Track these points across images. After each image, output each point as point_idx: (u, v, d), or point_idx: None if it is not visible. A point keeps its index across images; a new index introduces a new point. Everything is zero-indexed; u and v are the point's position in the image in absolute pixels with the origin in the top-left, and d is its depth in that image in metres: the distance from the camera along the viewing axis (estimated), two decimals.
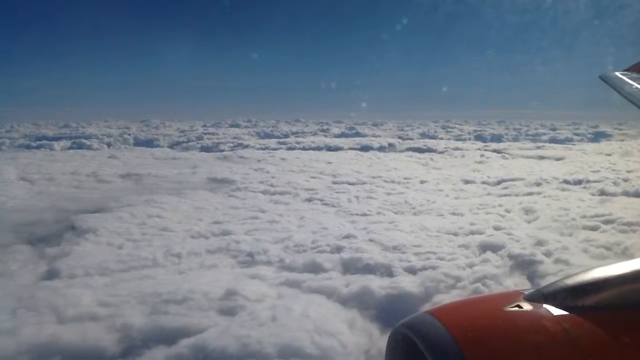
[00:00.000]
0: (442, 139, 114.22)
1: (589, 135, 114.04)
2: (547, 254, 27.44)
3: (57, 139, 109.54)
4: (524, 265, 26.09)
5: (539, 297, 2.18)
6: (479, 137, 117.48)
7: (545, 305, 2.13)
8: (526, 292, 2.24)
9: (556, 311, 2.09)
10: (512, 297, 2.22)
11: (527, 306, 2.14)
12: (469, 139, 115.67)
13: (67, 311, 20.22)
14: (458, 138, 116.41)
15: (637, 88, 5.22)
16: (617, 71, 6.02)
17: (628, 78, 5.62)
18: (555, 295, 2.16)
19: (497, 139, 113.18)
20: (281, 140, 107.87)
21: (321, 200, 43.22)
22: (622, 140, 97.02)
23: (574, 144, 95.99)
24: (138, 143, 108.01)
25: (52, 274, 25.30)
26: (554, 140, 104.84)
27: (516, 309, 2.13)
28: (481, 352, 1.96)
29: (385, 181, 51.15)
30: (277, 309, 20.14)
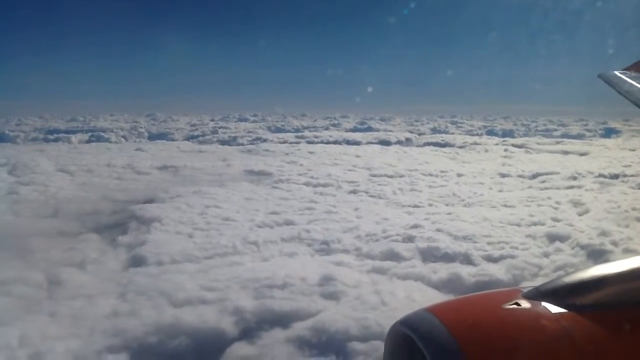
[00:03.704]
0: (453, 134, 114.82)
1: (599, 132, 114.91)
2: (614, 244, 28.18)
3: (70, 132, 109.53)
4: (596, 254, 26.75)
5: (537, 295, 2.19)
6: (491, 132, 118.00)
7: (543, 303, 2.13)
8: (525, 290, 2.25)
9: (554, 309, 2.10)
10: (510, 294, 2.23)
11: (525, 304, 2.14)
12: (481, 134, 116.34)
13: (176, 295, 20.81)
14: (469, 133, 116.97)
15: (636, 87, 5.28)
16: (616, 70, 6.09)
17: (627, 77, 5.69)
18: (554, 293, 2.17)
19: (509, 134, 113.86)
20: (298, 134, 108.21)
21: (366, 192, 43.82)
22: (634, 136, 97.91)
23: (591, 140, 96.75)
24: (152, 137, 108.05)
25: (137, 261, 25.86)
26: (566, 136, 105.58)
27: (515, 306, 2.13)
28: (480, 349, 1.97)
29: (423, 174, 51.80)
30: (381, 293, 20.79)
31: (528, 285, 2.31)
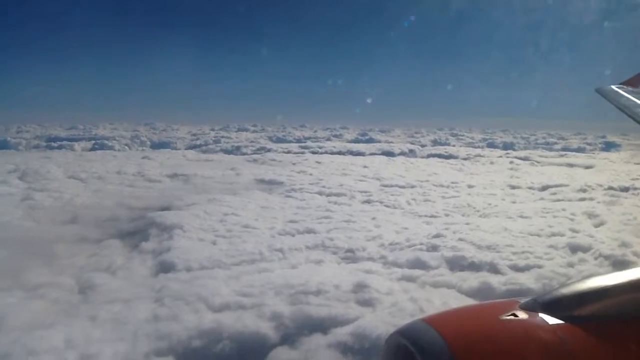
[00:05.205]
0: (454, 146, 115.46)
1: (599, 145, 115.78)
2: (637, 255, 28.49)
3: (71, 140, 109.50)
4: (619, 265, 26.95)
5: (534, 306, 2.19)
6: (491, 145, 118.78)
7: (541, 315, 2.13)
8: (522, 301, 2.25)
9: (552, 320, 2.09)
10: (507, 305, 2.23)
11: (522, 315, 2.14)
12: (483, 146, 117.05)
13: (213, 300, 20.92)
14: (470, 145, 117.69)
15: (632, 101, 5.33)
16: (613, 85, 6.21)
17: (624, 91, 5.76)
18: (551, 305, 2.16)
19: (510, 146, 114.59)
20: (301, 144, 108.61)
21: (380, 202, 44.09)
22: (633, 150, 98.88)
23: (592, 153, 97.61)
24: (154, 145, 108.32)
25: (166, 267, 25.95)
26: (567, 149, 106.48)
27: (512, 317, 2.13)
28: None
29: (435, 185, 52.16)
30: (417, 301, 20.97)
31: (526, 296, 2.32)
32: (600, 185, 51.83)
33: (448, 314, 2.34)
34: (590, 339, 2.02)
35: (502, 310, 2.17)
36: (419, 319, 2.21)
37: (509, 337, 2.06)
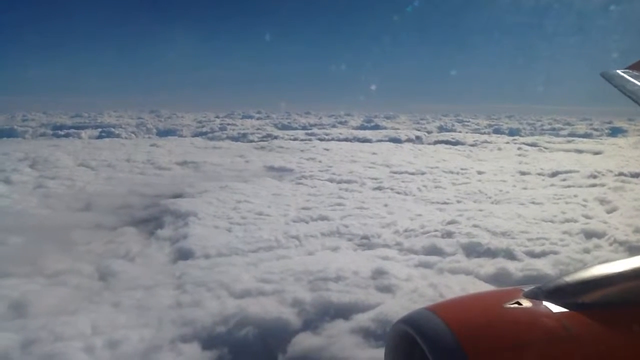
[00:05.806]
0: (460, 132, 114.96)
1: (606, 130, 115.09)
2: None
3: (77, 128, 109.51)
4: (635, 251, 27.00)
5: (538, 294, 2.20)
6: (497, 131, 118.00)
7: (545, 302, 2.14)
8: (526, 289, 2.25)
9: (556, 308, 2.10)
10: (511, 293, 2.24)
11: (526, 303, 2.15)
12: (489, 132, 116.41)
13: (234, 286, 21.10)
14: (476, 131, 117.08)
15: (638, 86, 5.25)
16: (618, 69, 6.07)
17: (629, 76, 5.67)
18: (555, 292, 2.18)
19: (517, 132, 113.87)
20: (307, 131, 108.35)
21: (391, 188, 44.14)
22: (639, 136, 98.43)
23: (600, 139, 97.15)
24: (161, 133, 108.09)
25: (185, 254, 26.15)
26: (574, 135, 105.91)
27: (516, 305, 2.14)
28: (481, 348, 1.98)
29: (444, 171, 52.15)
30: (437, 287, 21.06)
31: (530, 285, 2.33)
32: (611, 171, 51.64)
33: (452, 302, 2.37)
34: (593, 326, 2.04)
35: (506, 298, 2.19)
36: (423, 308, 2.22)
37: (514, 324, 2.08)
